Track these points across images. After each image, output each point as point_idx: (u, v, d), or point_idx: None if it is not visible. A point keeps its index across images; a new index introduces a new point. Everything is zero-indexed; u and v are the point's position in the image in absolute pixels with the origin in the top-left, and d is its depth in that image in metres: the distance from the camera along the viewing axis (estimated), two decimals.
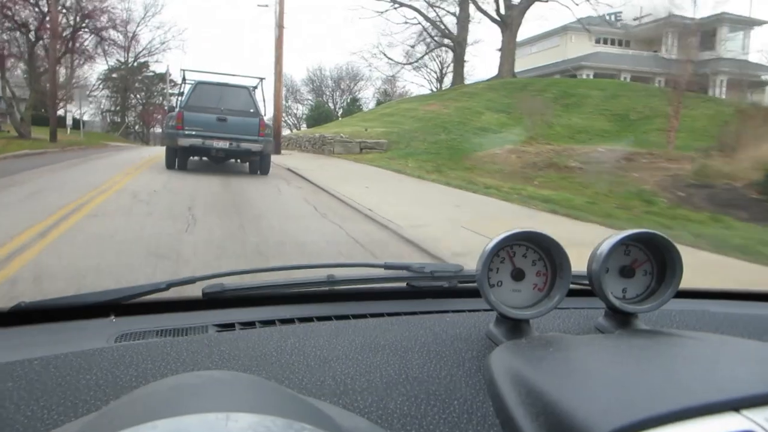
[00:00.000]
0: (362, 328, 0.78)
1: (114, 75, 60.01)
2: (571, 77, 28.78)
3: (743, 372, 0.53)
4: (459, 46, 32.12)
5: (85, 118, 72.86)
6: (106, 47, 52.20)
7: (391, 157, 15.70)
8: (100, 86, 57.98)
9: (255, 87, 11.84)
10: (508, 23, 27.10)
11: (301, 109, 77.85)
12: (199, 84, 11.16)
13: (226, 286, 0.97)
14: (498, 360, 0.61)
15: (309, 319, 0.91)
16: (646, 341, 0.65)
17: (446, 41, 34.35)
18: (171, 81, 71.00)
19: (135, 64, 60.69)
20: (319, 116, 50.37)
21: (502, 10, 27.36)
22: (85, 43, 45.01)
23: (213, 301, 0.97)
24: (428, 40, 38.77)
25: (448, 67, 67.53)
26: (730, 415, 0.45)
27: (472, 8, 29.56)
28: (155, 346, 0.69)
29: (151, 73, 65.86)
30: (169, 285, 0.95)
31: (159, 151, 15.61)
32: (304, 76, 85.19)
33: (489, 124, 18.38)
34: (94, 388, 0.58)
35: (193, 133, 10.24)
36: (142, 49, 58.40)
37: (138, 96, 65.30)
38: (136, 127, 62.60)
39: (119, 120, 59.41)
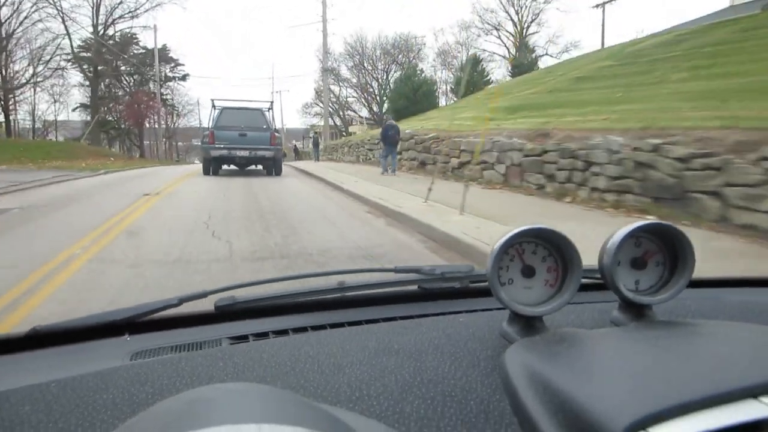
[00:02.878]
0: (375, 332, 0.78)
1: (87, 54, 42.31)
2: None
3: (761, 358, 0.53)
4: None
5: (61, 117, 55.33)
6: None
7: None
8: (66, 67, 39.87)
9: (268, 108, 15.86)
10: None
11: (344, 92, 60.21)
12: (224, 109, 15.04)
13: (238, 299, 0.98)
14: (513, 358, 0.61)
15: (322, 327, 0.92)
16: (661, 332, 0.64)
17: None
18: (173, 61, 53.00)
19: (115, 34, 42.75)
20: (415, 96, 31.09)
21: None
22: None
23: (225, 314, 0.98)
24: None
25: (528, 27, 50.58)
26: (749, 403, 0.45)
27: None
28: (170, 361, 0.70)
29: (141, 50, 47.86)
30: (181, 300, 0.95)
31: None
32: (341, 49, 65.49)
33: None
34: (111, 407, 0.59)
35: (222, 146, 14.08)
36: (118, 4, 38.99)
37: (127, 81, 47.34)
38: (123, 126, 44.76)
39: (101, 118, 41.55)
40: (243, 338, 0.90)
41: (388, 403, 0.57)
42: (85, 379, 0.65)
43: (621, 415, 0.44)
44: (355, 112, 64.47)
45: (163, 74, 47.98)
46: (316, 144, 29.70)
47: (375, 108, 64.88)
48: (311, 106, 65.96)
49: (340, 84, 64.00)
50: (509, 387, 0.57)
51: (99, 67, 36.90)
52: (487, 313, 0.87)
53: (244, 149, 14.27)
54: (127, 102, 39.34)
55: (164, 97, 50.23)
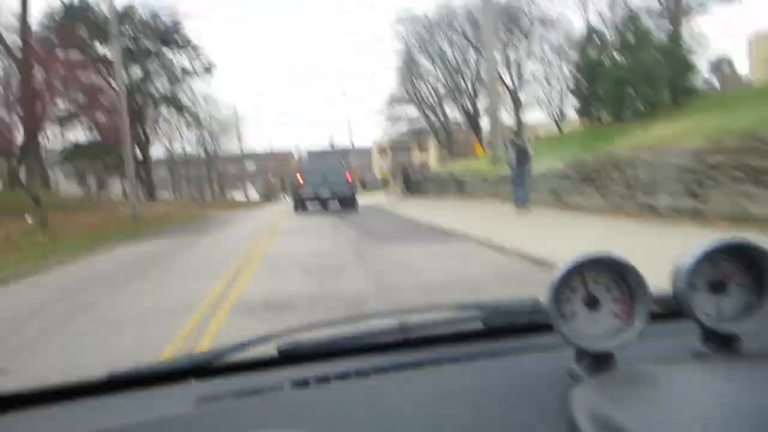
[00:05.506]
0: (436, 375, 0.78)
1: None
2: None
3: None
4: None
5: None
6: None
7: None
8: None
9: (344, 156, 19.76)
10: None
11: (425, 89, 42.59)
12: (310, 156, 19.47)
13: (300, 342, 0.98)
14: (579, 400, 0.56)
15: (384, 370, 0.91)
16: (749, 369, 0.58)
17: None
18: (189, 45, 25.66)
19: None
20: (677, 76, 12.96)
21: None
22: None
23: (288, 357, 0.98)
24: None
25: None
26: None
27: None
28: (232, 408, 0.74)
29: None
30: (245, 345, 0.97)
31: None
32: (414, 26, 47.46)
33: None
34: None
35: (308, 188, 17.26)
36: None
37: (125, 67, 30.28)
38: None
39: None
40: (304, 383, 0.89)
41: None
42: (150, 426, 0.67)
43: None
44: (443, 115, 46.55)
45: (179, 65, 30.70)
46: (523, 158, 10.47)
47: (469, 105, 46.58)
48: (396, 104, 47.73)
49: (422, 78, 46.10)
50: None
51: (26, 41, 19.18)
52: (555, 349, 0.80)
53: (326, 190, 17.14)
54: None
55: (175, 98, 32.95)
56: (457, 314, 1.04)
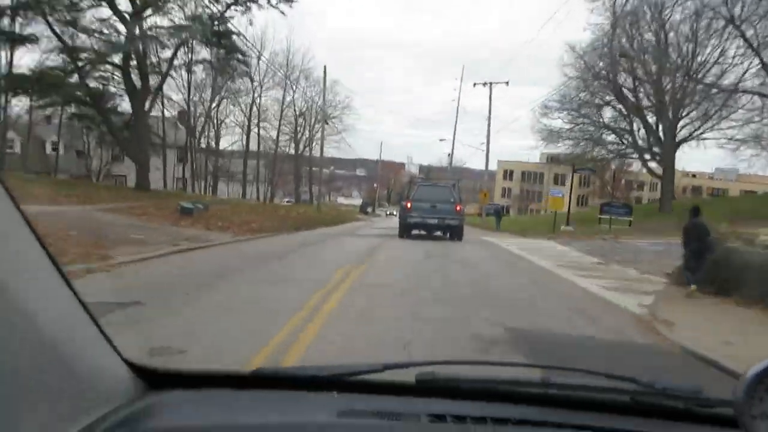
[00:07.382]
0: None
1: None
2: None
3: None
4: None
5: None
6: None
7: None
8: None
9: (453, 185, 20.28)
10: None
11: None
12: (420, 185, 19.93)
13: (438, 375, 0.99)
14: None
15: (524, 422, 0.90)
16: None
17: None
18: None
19: None
20: None
21: None
22: None
23: (425, 388, 0.99)
24: None
25: None
26: None
27: None
28: (375, 428, 0.78)
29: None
30: (386, 367, 0.99)
31: None
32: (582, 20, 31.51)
33: None
34: None
35: (416, 215, 17.95)
36: None
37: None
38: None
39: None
40: (441, 418, 0.89)
41: None
42: (289, 428, 0.72)
43: None
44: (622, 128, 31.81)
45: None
46: None
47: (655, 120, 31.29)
48: (558, 112, 33.68)
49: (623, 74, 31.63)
50: None
51: None
52: None
53: (433, 218, 17.92)
54: None
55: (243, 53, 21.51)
56: (607, 383, 1.00)
